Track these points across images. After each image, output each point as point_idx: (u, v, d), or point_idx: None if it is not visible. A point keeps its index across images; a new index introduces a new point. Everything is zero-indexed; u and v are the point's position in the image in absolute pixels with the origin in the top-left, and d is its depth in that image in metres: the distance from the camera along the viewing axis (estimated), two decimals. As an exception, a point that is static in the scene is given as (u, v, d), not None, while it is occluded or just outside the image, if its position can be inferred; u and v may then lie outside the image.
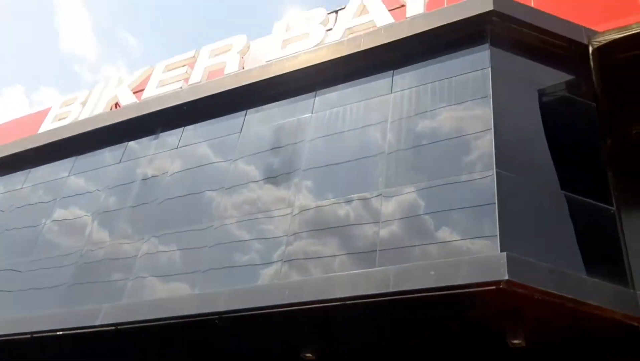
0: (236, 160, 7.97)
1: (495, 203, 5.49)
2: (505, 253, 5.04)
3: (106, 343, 7.17)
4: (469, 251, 5.47)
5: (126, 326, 6.75)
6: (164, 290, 7.19)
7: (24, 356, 7.83)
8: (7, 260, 9.08)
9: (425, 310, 5.54)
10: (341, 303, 5.62)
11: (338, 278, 5.84)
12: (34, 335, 7.38)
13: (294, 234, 6.63)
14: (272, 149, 7.88)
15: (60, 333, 7.17)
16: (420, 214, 6.03)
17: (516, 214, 5.56)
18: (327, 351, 6.06)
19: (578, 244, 5.66)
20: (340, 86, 7.95)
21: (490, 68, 6.67)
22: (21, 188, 10.30)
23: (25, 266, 8.80)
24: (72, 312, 7.37)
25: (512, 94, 6.62)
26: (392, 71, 7.55)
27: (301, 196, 6.96)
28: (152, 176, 8.71)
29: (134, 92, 10.67)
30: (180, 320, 6.46)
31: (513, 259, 4.99)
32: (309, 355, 6.04)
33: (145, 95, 10.18)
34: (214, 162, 8.32)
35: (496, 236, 5.27)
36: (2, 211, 10.19)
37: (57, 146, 10.30)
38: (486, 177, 5.78)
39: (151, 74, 10.72)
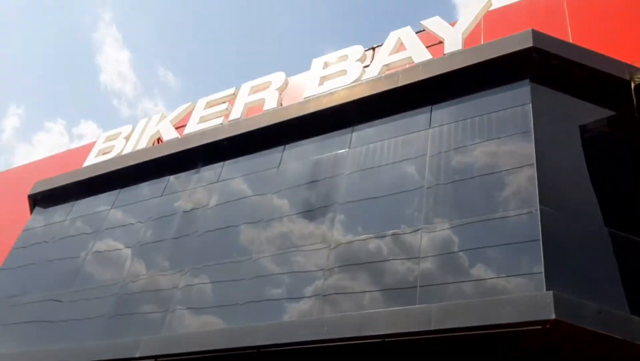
0: (274, 194, 8.06)
1: (539, 240, 5.39)
2: (551, 291, 4.92)
3: (145, 375, 7.21)
4: (512, 289, 5.36)
5: (166, 359, 6.81)
6: (202, 323, 7.23)
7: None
8: (49, 291, 9.28)
9: (468, 349, 5.43)
10: (381, 340, 5.56)
11: (377, 315, 5.79)
12: (75, 366, 7.49)
13: (331, 268, 6.63)
14: (309, 183, 7.95)
15: (100, 365, 7.26)
16: (461, 250, 5.96)
17: (560, 252, 5.43)
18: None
19: (623, 282, 5.48)
20: (378, 121, 7.99)
21: (530, 104, 6.63)
22: (64, 220, 10.58)
23: (67, 297, 8.96)
24: (112, 344, 7.46)
25: (553, 130, 6.56)
26: (430, 107, 7.57)
27: (338, 230, 6.97)
28: (192, 210, 8.86)
29: (176, 128, 10.92)
30: (219, 353, 6.49)
31: (559, 298, 4.87)
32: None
33: (187, 130, 10.40)
34: (252, 196, 8.42)
35: (541, 273, 5.16)
36: (46, 242, 10.45)
37: (101, 180, 10.58)
38: (529, 214, 5.69)
39: (192, 110, 10.92)
